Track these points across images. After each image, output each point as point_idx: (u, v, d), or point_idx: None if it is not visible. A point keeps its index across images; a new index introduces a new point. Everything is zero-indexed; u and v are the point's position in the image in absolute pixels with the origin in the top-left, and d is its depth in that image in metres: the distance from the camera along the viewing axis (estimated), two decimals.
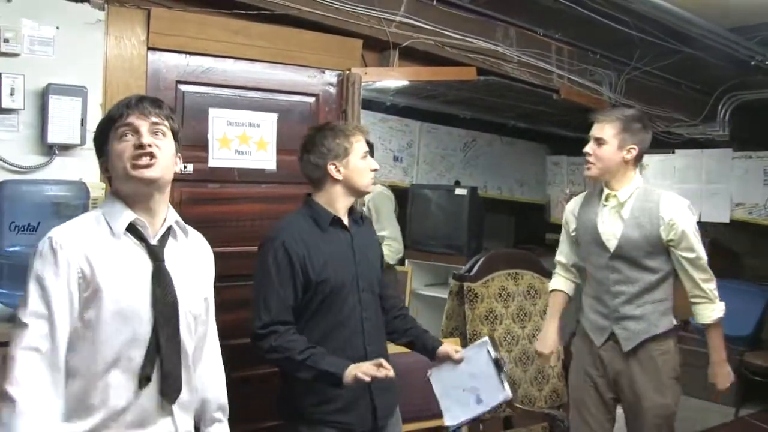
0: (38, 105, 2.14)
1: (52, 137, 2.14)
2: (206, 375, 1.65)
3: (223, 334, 2.20)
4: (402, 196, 4.64)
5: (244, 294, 2.42)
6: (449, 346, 2.16)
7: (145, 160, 1.44)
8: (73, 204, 2.06)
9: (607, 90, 4.07)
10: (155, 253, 1.48)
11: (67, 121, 2.15)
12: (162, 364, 1.44)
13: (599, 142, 2.40)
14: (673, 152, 4.99)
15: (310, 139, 2.10)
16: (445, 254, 4.87)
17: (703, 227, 5.07)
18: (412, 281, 4.87)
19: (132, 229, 1.47)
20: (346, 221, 2.10)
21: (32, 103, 2.13)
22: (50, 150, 2.17)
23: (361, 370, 1.83)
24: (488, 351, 2.10)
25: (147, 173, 1.44)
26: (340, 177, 2.05)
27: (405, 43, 2.97)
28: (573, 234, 2.60)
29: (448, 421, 2.12)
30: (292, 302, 1.96)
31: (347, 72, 2.76)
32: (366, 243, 2.15)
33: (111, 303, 1.40)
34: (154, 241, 1.49)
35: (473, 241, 4.86)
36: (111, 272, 1.41)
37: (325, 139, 2.06)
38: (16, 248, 1.96)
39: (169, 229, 1.53)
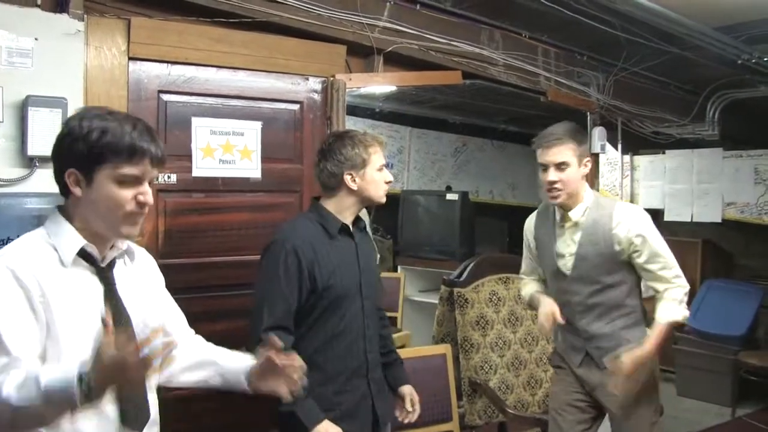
0: (18, 117, 2.11)
1: (33, 149, 2.11)
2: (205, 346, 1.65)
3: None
4: (393, 202, 4.62)
5: (231, 304, 2.40)
6: (408, 396, 2.17)
7: (137, 220, 1.39)
8: None
9: (594, 91, 4.07)
10: (106, 277, 1.41)
11: (47, 133, 2.09)
12: (120, 391, 1.32)
13: (562, 166, 2.22)
14: (664, 153, 4.99)
15: (329, 147, 2.05)
16: (437, 260, 4.85)
17: (696, 227, 5.12)
18: (405, 287, 4.85)
19: (80, 253, 1.38)
20: (352, 229, 2.08)
21: (11, 115, 2.10)
22: (31, 162, 2.14)
23: None
24: None
25: (134, 232, 1.41)
26: (355, 187, 2.02)
27: (389, 48, 2.95)
28: (536, 253, 2.47)
29: None
30: (295, 307, 1.92)
31: (331, 78, 2.74)
32: (367, 251, 2.15)
33: (66, 336, 1.31)
34: (102, 264, 1.42)
35: (465, 246, 4.85)
36: (63, 304, 1.32)
37: (344, 147, 2.02)
38: None
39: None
